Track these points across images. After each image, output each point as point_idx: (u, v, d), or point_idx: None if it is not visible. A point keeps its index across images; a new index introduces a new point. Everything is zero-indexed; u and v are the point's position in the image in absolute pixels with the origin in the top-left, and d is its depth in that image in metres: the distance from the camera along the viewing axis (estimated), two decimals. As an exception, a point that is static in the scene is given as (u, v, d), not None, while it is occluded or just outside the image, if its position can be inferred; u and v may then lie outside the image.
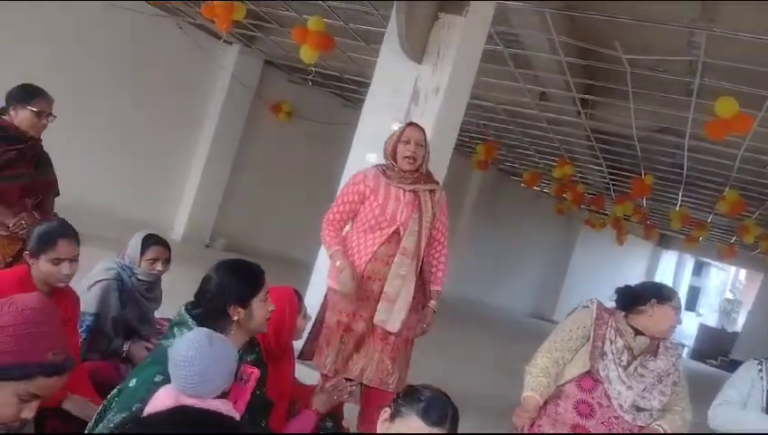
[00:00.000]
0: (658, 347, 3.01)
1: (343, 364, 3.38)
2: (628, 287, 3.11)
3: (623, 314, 3.04)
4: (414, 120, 4.54)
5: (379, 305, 3.35)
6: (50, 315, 1.79)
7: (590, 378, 2.95)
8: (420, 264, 3.44)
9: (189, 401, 2.00)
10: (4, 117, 3.42)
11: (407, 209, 3.40)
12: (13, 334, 1.67)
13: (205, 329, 2.16)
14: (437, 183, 3.59)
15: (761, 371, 3.20)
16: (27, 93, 3.42)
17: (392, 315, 3.36)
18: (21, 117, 3.39)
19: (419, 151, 3.42)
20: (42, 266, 2.67)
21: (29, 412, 1.67)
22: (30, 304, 1.75)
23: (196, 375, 2.01)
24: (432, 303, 3.54)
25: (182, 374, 2.02)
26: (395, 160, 3.45)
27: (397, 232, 3.40)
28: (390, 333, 3.38)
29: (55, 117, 3.50)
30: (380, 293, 3.36)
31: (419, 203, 3.43)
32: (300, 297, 2.95)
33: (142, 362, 2.39)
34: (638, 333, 2.98)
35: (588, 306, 3.11)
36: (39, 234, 2.72)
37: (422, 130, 3.50)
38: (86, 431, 2.18)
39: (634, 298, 3.03)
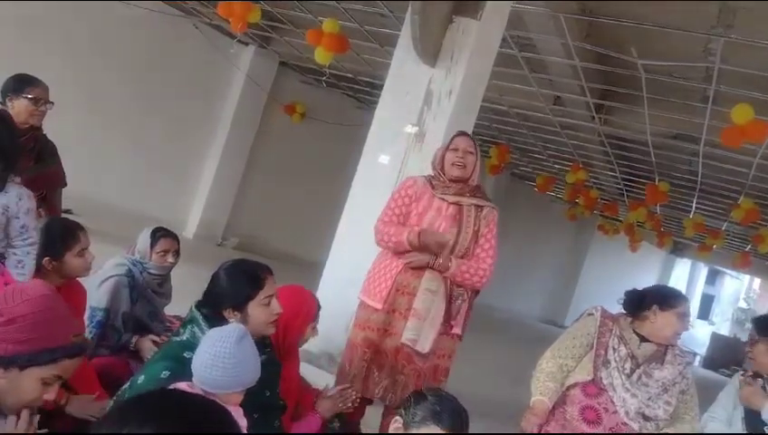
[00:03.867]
0: (666, 354, 2.98)
1: (365, 383, 3.21)
2: (635, 291, 3.08)
3: (629, 319, 3.02)
4: (427, 123, 4.52)
5: (408, 323, 3.17)
6: (60, 300, 1.85)
7: (595, 385, 2.93)
8: (451, 284, 3.25)
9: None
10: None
11: (445, 223, 3.25)
12: (34, 321, 1.72)
13: (240, 326, 2.17)
14: (488, 200, 3.38)
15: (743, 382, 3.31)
16: (21, 82, 3.36)
17: (422, 334, 3.16)
18: (18, 107, 3.31)
19: (469, 158, 3.31)
20: (69, 262, 2.71)
21: (51, 394, 1.73)
22: (41, 291, 1.80)
23: (232, 367, 2.02)
24: (440, 256, 3.20)
25: (218, 365, 2.02)
26: (442, 170, 3.34)
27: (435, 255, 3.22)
28: (419, 357, 3.19)
29: (53, 103, 3.41)
30: (408, 308, 3.19)
31: (461, 218, 3.26)
32: (318, 308, 2.92)
33: (152, 358, 2.40)
34: (643, 339, 2.95)
35: (593, 314, 3.09)
36: (56, 233, 2.73)
37: (471, 138, 3.41)
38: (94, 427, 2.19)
39: (639, 303, 3.00)
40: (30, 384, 1.69)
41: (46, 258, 2.67)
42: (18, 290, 1.79)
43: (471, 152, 3.32)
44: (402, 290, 3.23)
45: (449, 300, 3.23)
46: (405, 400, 2.12)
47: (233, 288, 2.38)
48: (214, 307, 2.37)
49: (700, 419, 3.17)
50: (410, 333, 3.16)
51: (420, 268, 3.21)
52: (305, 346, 3.07)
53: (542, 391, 2.93)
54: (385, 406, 3.27)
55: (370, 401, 3.33)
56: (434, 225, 3.25)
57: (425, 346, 3.17)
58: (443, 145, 3.47)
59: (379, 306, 3.24)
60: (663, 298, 2.95)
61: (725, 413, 3.28)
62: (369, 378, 3.21)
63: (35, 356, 1.68)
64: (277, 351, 2.73)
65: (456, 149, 3.32)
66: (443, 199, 3.28)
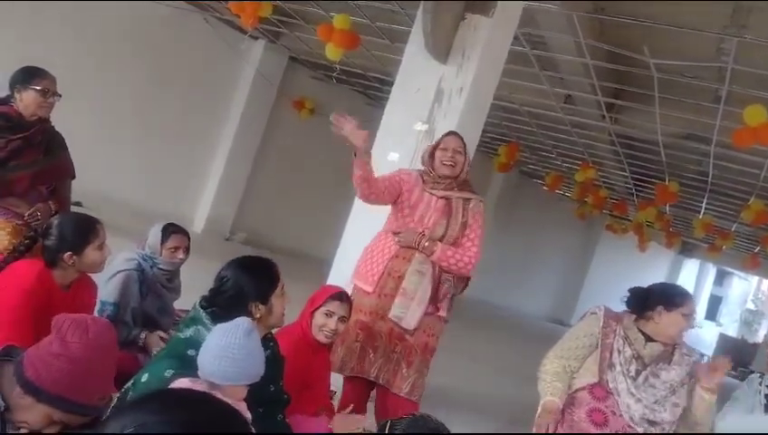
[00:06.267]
0: (673, 354, 2.95)
1: (360, 363, 3.37)
2: (639, 289, 3.06)
3: (634, 317, 2.99)
4: (437, 121, 4.52)
5: (396, 300, 3.34)
6: (113, 348, 1.84)
7: (601, 387, 2.91)
8: (439, 269, 3.40)
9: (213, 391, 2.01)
10: (11, 103, 3.32)
11: (435, 215, 3.41)
12: (76, 369, 1.71)
13: (248, 320, 2.18)
14: (476, 193, 3.56)
15: (761, 383, 3.34)
16: (28, 74, 3.34)
17: (408, 312, 3.33)
18: (26, 99, 3.30)
19: (458, 158, 3.47)
20: (89, 257, 2.69)
21: (52, 431, 1.73)
22: (102, 337, 1.79)
23: (242, 359, 2.06)
24: (426, 238, 3.37)
25: (228, 356, 2.04)
26: (433, 167, 3.51)
27: (422, 234, 3.40)
28: (409, 334, 3.35)
29: (60, 96, 3.40)
30: (398, 290, 3.35)
31: (450, 210, 3.44)
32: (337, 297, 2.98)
33: (155, 356, 2.40)
34: (649, 339, 2.93)
35: (596, 313, 3.06)
36: (75, 227, 2.71)
37: (460, 138, 3.55)
38: (100, 425, 2.20)
39: (643, 302, 2.97)
40: (37, 416, 1.70)
41: (67, 253, 2.65)
42: (84, 324, 1.78)
43: (460, 152, 3.49)
44: (393, 274, 3.39)
45: (437, 283, 3.38)
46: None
47: (257, 282, 2.42)
48: (234, 304, 2.36)
49: (713, 419, 3.14)
50: (397, 310, 3.33)
51: (410, 253, 3.37)
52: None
53: (551, 392, 2.91)
54: (379, 387, 3.40)
55: (371, 385, 3.43)
56: (424, 217, 3.42)
57: (411, 323, 3.33)
58: (432, 143, 3.63)
59: (370, 290, 3.41)
60: (668, 298, 2.91)
61: (744, 405, 3.27)
62: (365, 359, 3.36)
63: (56, 399, 1.69)
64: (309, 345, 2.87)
65: (445, 149, 3.49)
66: (433, 194, 3.45)
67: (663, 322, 2.88)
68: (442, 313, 3.44)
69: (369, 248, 3.54)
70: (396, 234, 3.41)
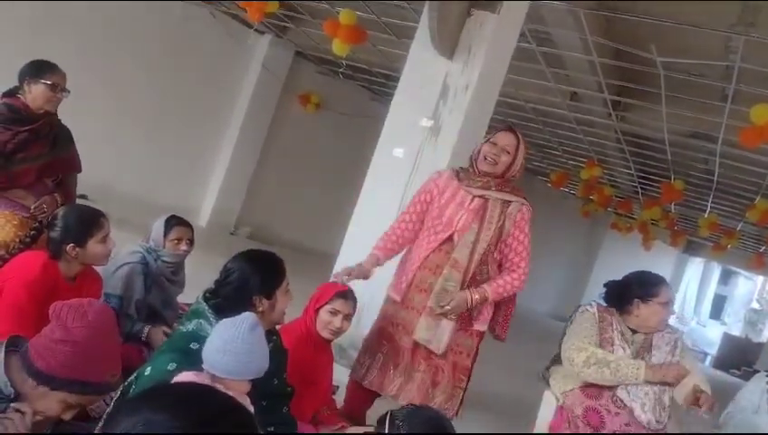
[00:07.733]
0: (652, 342, 2.96)
1: (380, 378, 3.21)
2: (613, 284, 3.06)
3: (618, 312, 3.01)
4: (443, 117, 4.49)
5: (421, 320, 3.11)
6: (114, 328, 1.88)
7: (593, 385, 2.90)
8: (469, 279, 3.13)
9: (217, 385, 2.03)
10: (18, 96, 3.33)
11: (467, 216, 3.13)
12: (85, 352, 1.75)
13: (253, 315, 2.19)
14: (520, 197, 3.20)
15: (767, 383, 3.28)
16: (39, 68, 3.34)
17: (437, 334, 3.10)
18: (35, 92, 3.30)
19: (503, 157, 3.15)
20: (92, 249, 2.71)
21: (70, 415, 1.77)
22: (101, 317, 1.83)
23: (245, 353, 2.07)
24: (475, 292, 3.11)
25: (231, 350, 2.06)
26: (476, 161, 3.22)
27: (450, 239, 3.14)
28: (435, 353, 3.15)
29: (69, 91, 3.40)
30: (425, 305, 3.13)
31: (485, 213, 3.13)
32: (346, 296, 2.97)
33: (158, 350, 2.41)
34: (633, 332, 2.96)
35: (588, 310, 3.06)
36: (79, 219, 2.72)
37: (516, 137, 3.22)
38: (104, 416, 2.21)
39: (619, 297, 2.99)
40: (53, 404, 1.74)
41: (70, 245, 2.66)
42: (82, 308, 1.82)
43: (508, 152, 3.16)
44: (421, 286, 3.18)
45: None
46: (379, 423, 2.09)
47: (263, 276, 2.42)
48: (237, 296, 2.37)
49: (720, 415, 3.15)
50: (423, 332, 3.11)
51: (436, 263, 3.15)
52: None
53: (624, 362, 2.82)
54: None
55: (378, 394, 3.32)
56: (454, 218, 3.14)
57: (440, 347, 3.10)
58: (487, 136, 3.36)
59: (399, 299, 3.24)
60: (643, 290, 2.94)
61: (750, 405, 3.26)
62: (386, 375, 3.20)
63: (70, 384, 1.72)
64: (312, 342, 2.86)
65: (494, 144, 3.18)
66: (468, 192, 3.16)
67: (642, 314, 2.91)
68: (478, 326, 3.22)
69: (403, 258, 3.37)
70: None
